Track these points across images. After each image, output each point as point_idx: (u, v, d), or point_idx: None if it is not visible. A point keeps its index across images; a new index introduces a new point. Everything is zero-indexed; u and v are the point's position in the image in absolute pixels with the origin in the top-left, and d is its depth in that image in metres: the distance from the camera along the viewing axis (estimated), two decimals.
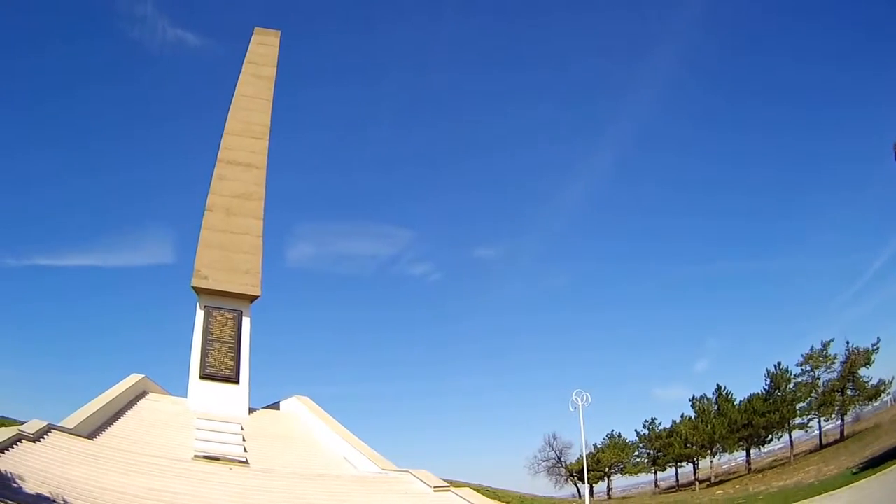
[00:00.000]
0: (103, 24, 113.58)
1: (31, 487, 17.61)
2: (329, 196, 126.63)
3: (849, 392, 53.71)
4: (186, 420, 31.01)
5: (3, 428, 22.27)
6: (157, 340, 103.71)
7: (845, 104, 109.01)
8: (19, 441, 21.06)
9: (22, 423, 23.70)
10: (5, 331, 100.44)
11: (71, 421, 25.10)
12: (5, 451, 19.95)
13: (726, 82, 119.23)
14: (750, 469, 57.06)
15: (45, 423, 23.13)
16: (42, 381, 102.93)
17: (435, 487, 25.72)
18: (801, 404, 56.24)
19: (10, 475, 18.17)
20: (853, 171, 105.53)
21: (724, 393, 60.52)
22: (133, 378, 33.88)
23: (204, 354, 34.44)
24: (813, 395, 55.53)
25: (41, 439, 22.17)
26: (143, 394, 34.16)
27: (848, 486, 30.58)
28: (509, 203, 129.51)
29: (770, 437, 58.22)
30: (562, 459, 66.37)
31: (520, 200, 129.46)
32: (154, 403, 33.39)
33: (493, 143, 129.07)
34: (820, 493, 30.95)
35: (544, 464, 67.11)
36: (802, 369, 56.88)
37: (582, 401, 34.06)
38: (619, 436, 67.08)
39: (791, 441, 57.28)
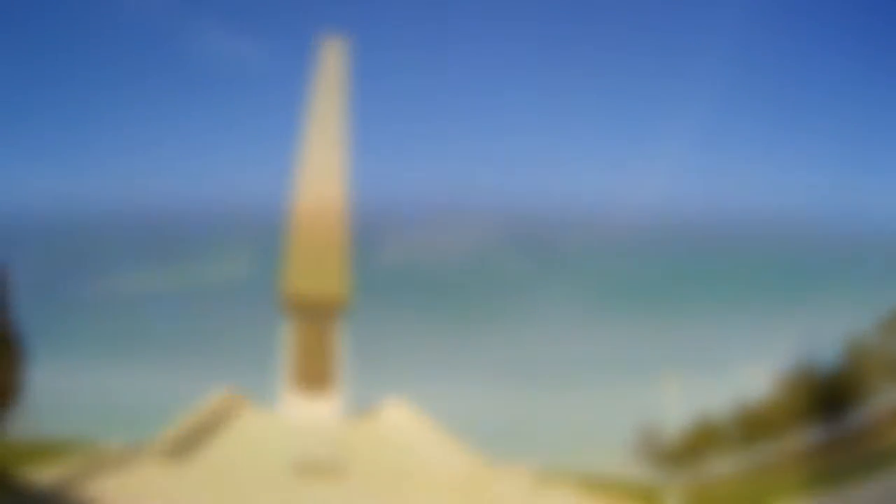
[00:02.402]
0: (163, 46, 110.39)
1: None
2: (409, 189, 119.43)
3: None
4: (279, 432, 27.68)
5: (82, 452, 19.80)
6: (247, 355, 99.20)
7: None
8: (99, 465, 18.44)
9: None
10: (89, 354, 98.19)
11: (156, 441, 22.20)
12: (85, 477, 17.26)
13: None
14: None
15: (126, 445, 20.71)
16: (128, 405, 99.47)
17: (537, 480, 22.38)
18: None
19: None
20: None
21: (807, 367, 54.35)
22: (222, 394, 30.74)
23: (296, 364, 31.70)
24: None
25: (123, 462, 19.48)
26: (233, 409, 31.07)
27: None
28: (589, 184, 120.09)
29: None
30: (659, 444, 61.41)
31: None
32: (244, 418, 30.29)
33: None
34: None
35: (643, 448, 62.23)
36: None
37: (678, 382, 29.17)
38: (710, 417, 61.68)
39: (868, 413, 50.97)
